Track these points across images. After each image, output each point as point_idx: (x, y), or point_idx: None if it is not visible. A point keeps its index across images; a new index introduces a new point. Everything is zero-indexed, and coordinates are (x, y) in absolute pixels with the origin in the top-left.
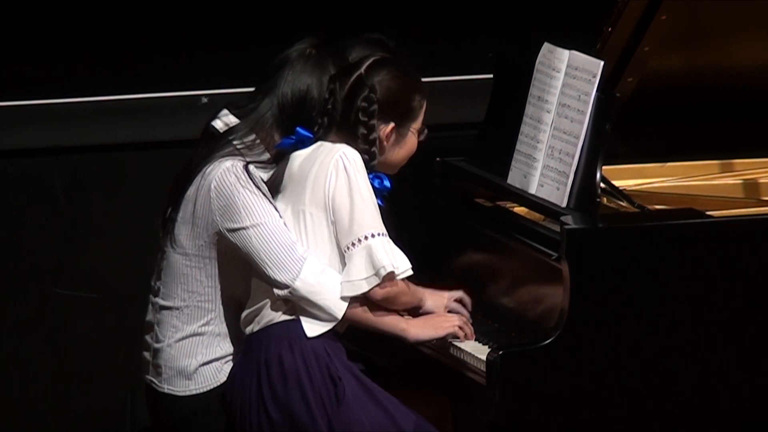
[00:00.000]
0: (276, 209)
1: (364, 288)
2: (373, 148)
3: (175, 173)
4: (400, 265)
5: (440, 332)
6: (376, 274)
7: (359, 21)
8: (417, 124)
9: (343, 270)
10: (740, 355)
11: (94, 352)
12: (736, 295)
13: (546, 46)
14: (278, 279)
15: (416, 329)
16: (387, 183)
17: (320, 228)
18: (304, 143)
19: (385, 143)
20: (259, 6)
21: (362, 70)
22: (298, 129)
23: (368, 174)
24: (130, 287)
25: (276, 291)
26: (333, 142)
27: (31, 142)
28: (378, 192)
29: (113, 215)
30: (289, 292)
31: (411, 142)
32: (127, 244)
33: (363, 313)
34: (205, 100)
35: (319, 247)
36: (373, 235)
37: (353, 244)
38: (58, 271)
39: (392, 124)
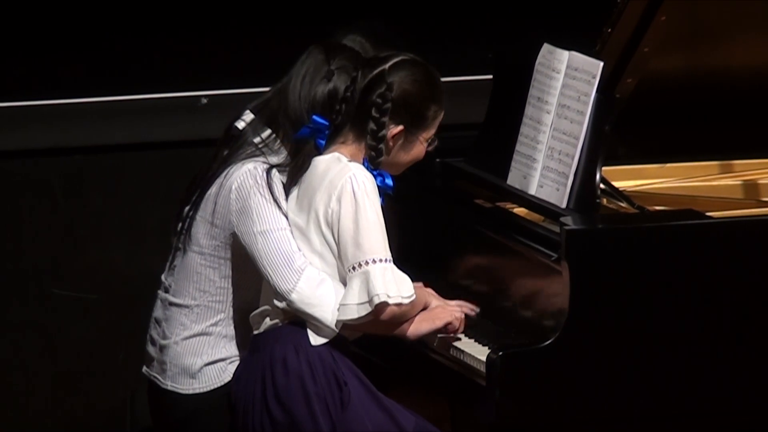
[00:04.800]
0: (286, 217)
1: (355, 314)
2: (381, 145)
3: (181, 173)
4: (403, 292)
5: (438, 323)
6: (369, 302)
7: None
8: (428, 134)
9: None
10: (741, 355)
11: (93, 353)
12: (736, 295)
13: (546, 46)
14: (277, 289)
15: (413, 325)
16: (389, 181)
17: (322, 244)
18: (320, 131)
19: (391, 144)
20: (259, 6)
21: (387, 66)
22: (314, 117)
23: (372, 171)
24: (129, 287)
25: (275, 301)
26: (345, 141)
27: (30, 142)
28: (380, 190)
29: (112, 216)
30: (287, 304)
31: (418, 149)
32: (126, 245)
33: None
34: (204, 100)
35: (317, 262)
36: (374, 261)
37: (354, 268)
38: (56, 272)
39: (401, 127)
